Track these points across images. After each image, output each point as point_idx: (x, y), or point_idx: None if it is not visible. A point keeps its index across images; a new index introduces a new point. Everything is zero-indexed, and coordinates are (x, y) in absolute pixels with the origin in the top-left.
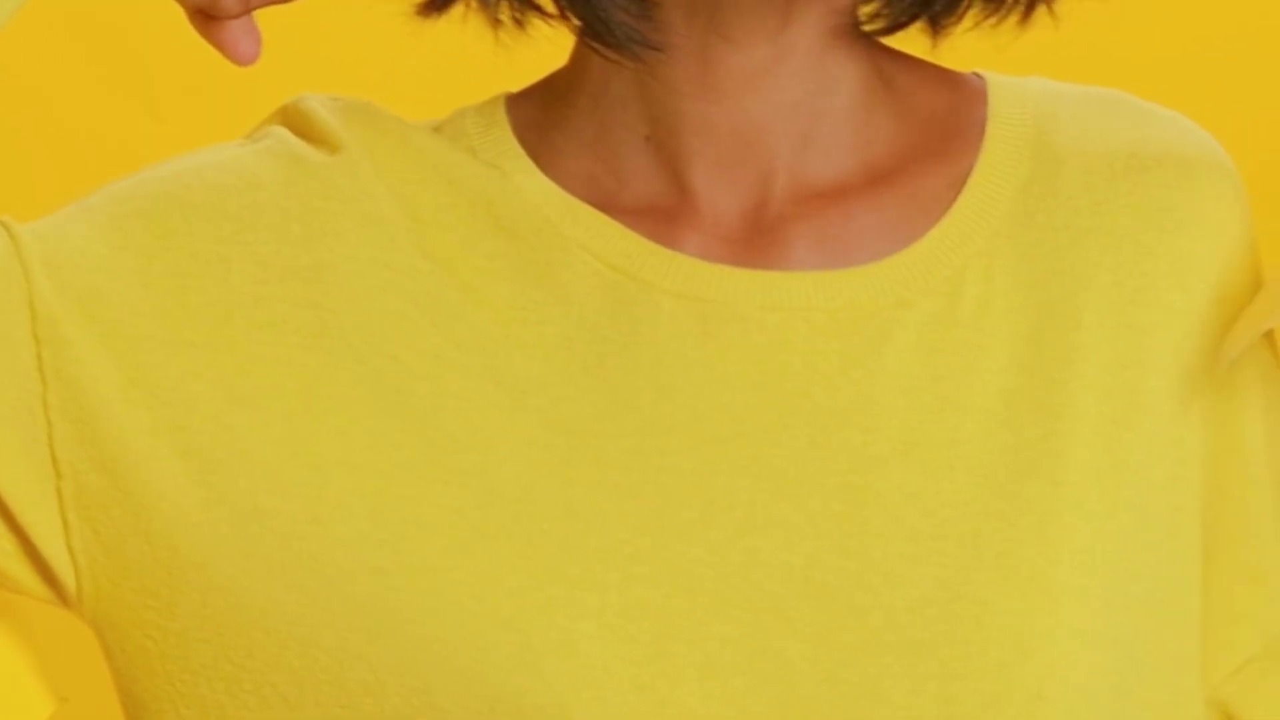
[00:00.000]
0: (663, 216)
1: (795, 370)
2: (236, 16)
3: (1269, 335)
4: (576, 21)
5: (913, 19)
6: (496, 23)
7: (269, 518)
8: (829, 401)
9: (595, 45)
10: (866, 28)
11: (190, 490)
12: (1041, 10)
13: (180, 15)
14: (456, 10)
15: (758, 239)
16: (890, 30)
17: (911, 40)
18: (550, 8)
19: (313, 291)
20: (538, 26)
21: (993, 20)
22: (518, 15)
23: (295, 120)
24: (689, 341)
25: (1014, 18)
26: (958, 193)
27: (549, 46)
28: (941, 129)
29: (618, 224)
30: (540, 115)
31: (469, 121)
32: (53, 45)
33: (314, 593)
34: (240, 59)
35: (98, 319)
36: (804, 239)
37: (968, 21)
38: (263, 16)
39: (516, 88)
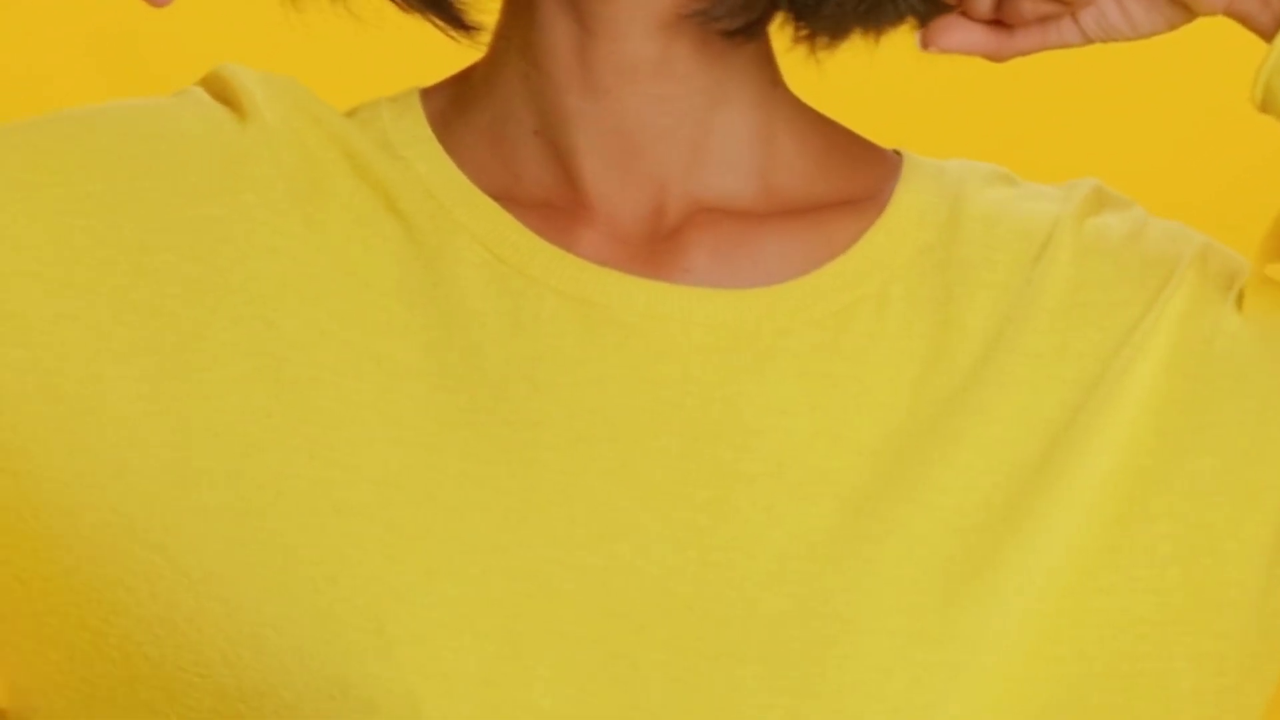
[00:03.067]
0: (560, 214)
1: (672, 381)
2: None
3: None
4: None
5: (764, 16)
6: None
7: (131, 475)
8: (702, 415)
9: (432, 18)
10: (718, 27)
11: (56, 435)
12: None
13: (180, 15)
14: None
15: (655, 246)
16: (747, 30)
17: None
18: None
19: (200, 246)
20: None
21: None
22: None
23: (213, 84)
24: (568, 340)
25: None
26: (860, 236)
27: None
28: (852, 180)
29: (512, 217)
30: (448, 106)
31: (384, 109)
32: (53, 45)
33: (173, 557)
34: (157, 1)
35: None
36: (702, 252)
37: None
38: (259, 19)
39: None
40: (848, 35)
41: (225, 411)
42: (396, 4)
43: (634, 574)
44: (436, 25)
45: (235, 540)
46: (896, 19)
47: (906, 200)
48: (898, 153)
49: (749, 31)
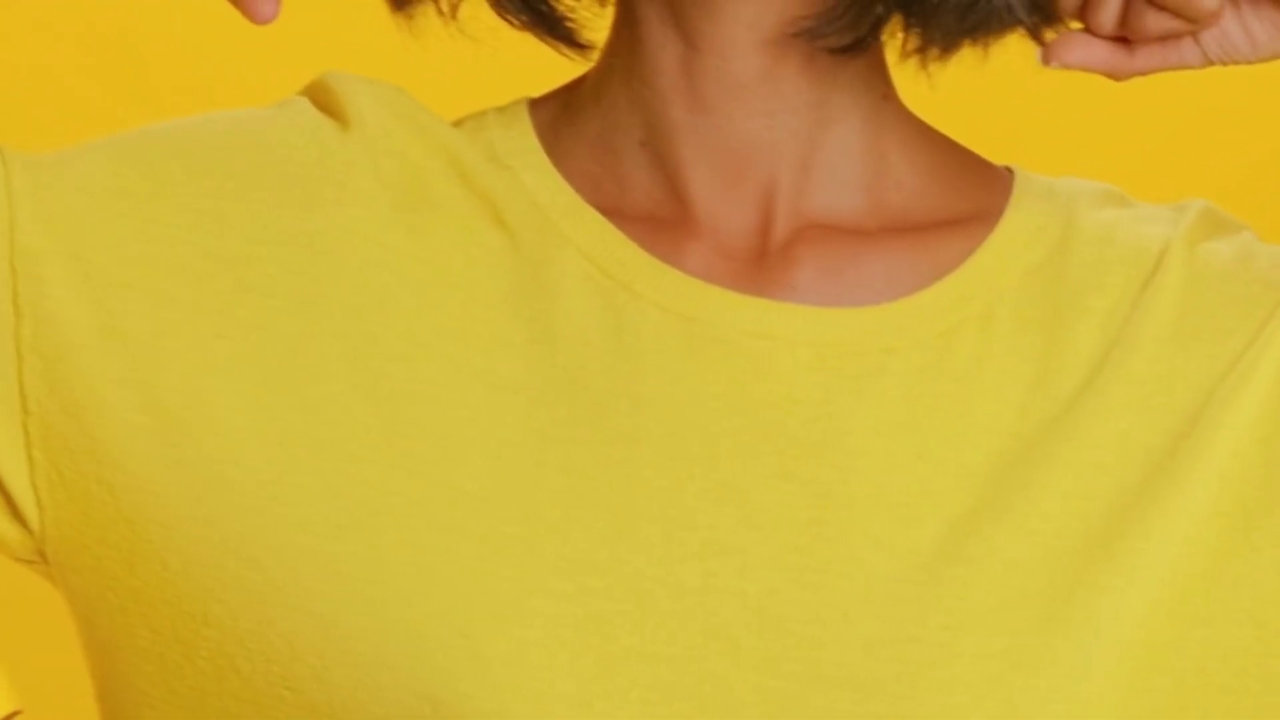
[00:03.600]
0: (666, 228)
1: (774, 399)
2: None
3: None
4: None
5: (872, 32)
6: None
7: (229, 489)
8: (804, 435)
9: (546, 38)
10: (825, 44)
11: (155, 447)
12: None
13: (180, 15)
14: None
15: (761, 263)
16: (854, 46)
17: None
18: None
19: (303, 258)
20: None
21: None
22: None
23: (317, 93)
24: (672, 357)
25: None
26: (969, 255)
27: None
28: (963, 198)
29: (618, 231)
30: (557, 116)
31: (491, 118)
32: (53, 45)
33: (269, 571)
34: (258, 18)
35: (80, 259)
36: (808, 270)
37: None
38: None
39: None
40: (958, 48)
41: (324, 425)
42: (510, 24)
43: (731, 594)
44: (549, 44)
45: (331, 555)
46: (1002, 30)
47: (1017, 220)
48: (1009, 169)
49: (856, 48)
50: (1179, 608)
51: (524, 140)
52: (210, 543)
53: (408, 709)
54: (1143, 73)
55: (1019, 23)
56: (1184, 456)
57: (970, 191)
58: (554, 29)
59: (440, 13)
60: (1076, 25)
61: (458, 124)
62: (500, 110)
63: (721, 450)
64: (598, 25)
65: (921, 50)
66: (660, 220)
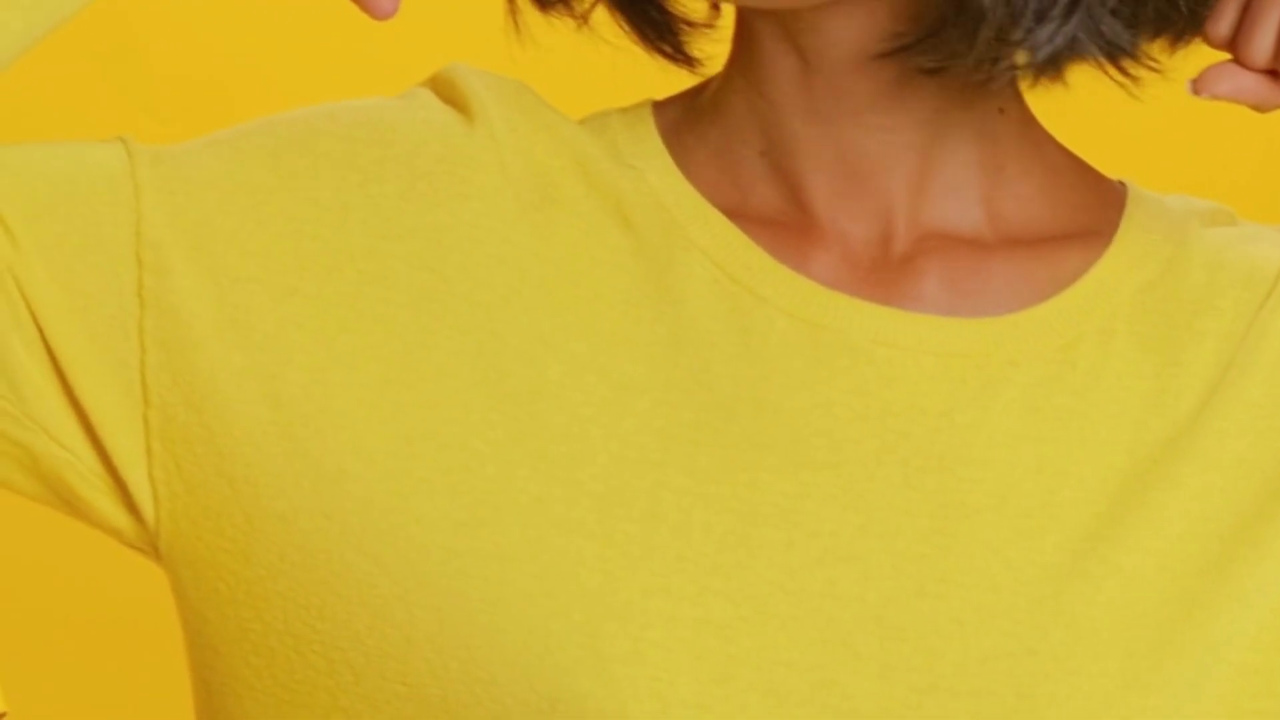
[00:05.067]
0: (791, 234)
1: (899, 409)
2: None
3: None
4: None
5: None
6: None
7: (350, 482)
8: (928, 444)
9: (663, 49)
10: (915, 65)
11: (276, 440)
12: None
13: (180, 15)
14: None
15: (886, 272)
16: (945, 69)
17: None
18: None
19: (428, 253)
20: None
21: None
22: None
23: (441, 86)
24: (797, 363)
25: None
26: (1086, 269)
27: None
28: (1079, 211)
29: (744, 235)
30: (679, 120)
31: (614, 119)
32: (53, 46)
33: (387, 565)
34: (378, 14)
35: (205, 251)
36: (933, 280)
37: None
38: (270, 19)
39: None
40: (1059, 71)
41: (447, 422)
42: (633, 39)
43: (851, 601)
44: (664, 56)
45: (451, 551)
46: (1084, 58)
47: (1131, 236)
48: (1122, 183)
49: (948, 70)
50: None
51: (649, 142)
52: (329, 536)
53: (526, 706)
54: None
55: (1114, 51)
56: None
57: (1085, 205)
58: (670, 43)
59: (575, 17)
60: (1223, 55)
61: (581, 122)
62: (624, 111)
63: (845, 457)
64: (709, 38)
65: (1030, 69)
66: (784, 226)
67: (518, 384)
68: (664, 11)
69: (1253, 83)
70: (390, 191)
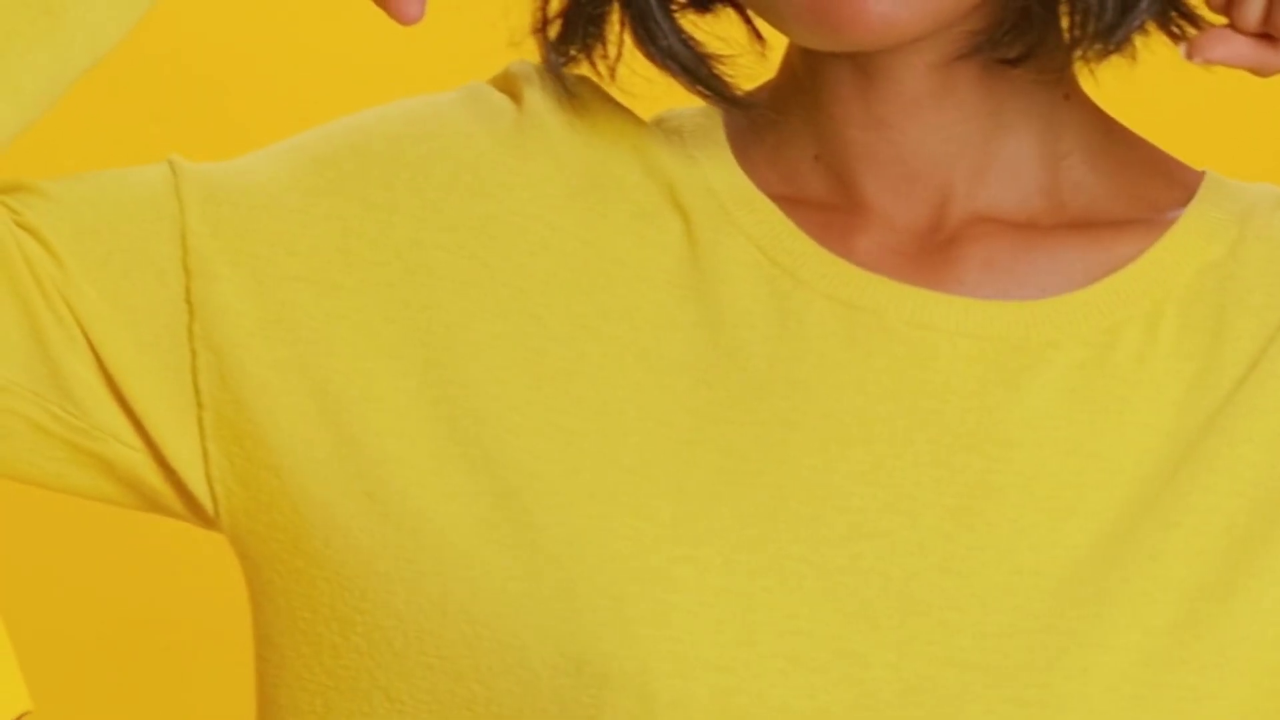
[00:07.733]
0: (838, 218)
1: (932, 389)
2: None
3: None
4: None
5: (1042, 37)
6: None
7: (393, 464)
8: (958, 424)
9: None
10: (998, 56)
11: (320, 428)
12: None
13: (180, 15)
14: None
15: (930, 255)
16: (1027, 56)
17: None
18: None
19: (473, 242)
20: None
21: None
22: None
23: (501, 81)
24: (832, 343)
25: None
26: (1141, 252)
27: None
28: (1147, 198)
29: (791, 222)
30: (742, 117)
31: (687, 114)
32: None
33: (424, 539)
34: (404, 19)
35: (248, 255)
36: (975, 265)
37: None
38: (269, 20)
39: None
40: (1119, 47)
41: (486, 399)
42: (676, 79)
43: (874, 575)
44: (704, 96)
45: (486, 522)
46: (1143, 28)
47: (1194, 218)
48: (1204, 172)
49: (1029, 57)
50: None
51: (713, 135)
52: (371, 516)
53: (554, 669)
54: None
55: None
56: None
57: (1153, 191)
58: (713, 88)
59: (599, 74)
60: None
61: (655, 119)
62: (701, 107)
63: (875, 435)
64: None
65: (1082, 49)
66: (832, 210)
67: (555, 364)
68: (694, 52)
69: (1247, 47)
70: (437, 185)
